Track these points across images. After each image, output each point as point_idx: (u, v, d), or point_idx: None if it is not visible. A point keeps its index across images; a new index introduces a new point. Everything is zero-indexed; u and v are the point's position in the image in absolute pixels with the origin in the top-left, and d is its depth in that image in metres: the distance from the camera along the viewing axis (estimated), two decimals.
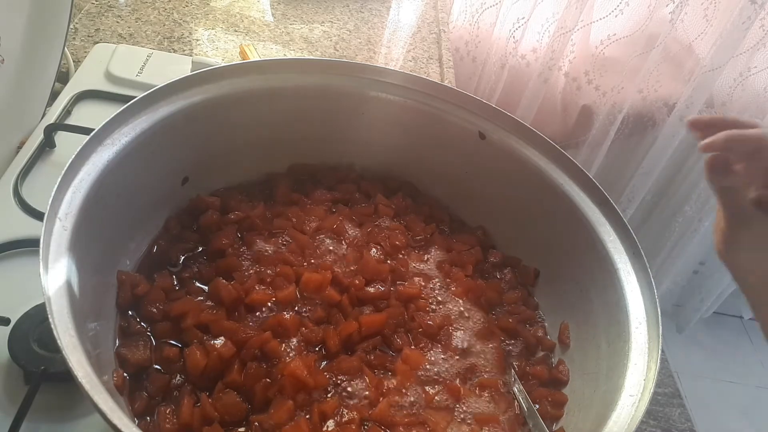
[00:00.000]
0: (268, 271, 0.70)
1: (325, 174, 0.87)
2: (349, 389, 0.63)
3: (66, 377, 0.56)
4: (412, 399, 0.64)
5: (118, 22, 1.24)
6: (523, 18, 1.69)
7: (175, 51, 1.20)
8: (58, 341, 0.47)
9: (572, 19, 1.63)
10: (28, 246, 0.77)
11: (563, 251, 0.77)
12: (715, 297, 2.28)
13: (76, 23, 1.21)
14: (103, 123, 0.64)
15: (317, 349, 0.66)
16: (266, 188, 0.84)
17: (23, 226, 0.79)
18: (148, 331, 0.65)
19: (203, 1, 1.36)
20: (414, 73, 0.96)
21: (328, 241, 0.77)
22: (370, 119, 0.85)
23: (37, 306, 0.68)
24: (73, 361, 0.46)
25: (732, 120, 0.65)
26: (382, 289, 0.72)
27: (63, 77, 1.07)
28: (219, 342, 0.62)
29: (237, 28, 1.31)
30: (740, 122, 0.65)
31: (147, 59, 1.11)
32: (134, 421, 0.57)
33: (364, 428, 0.61)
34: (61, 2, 0.91)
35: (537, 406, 0.67)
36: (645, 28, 1.66)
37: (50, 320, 0.48)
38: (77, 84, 1.03)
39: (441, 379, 0.67)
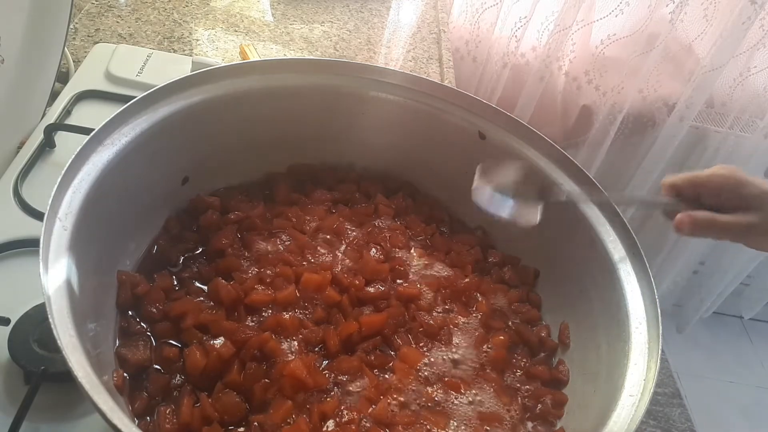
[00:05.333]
0: (268, 272, 0.70)
1: (325, 174, 0.87)
2: (349, 389, 0.63)
3: (66, 377, 0.56)
4: (412, 398, 0.64)
5: (118, 22, 1.24)
6: (525, 17, 1.69)
7: (175, 51, 1.20)
8: (58, 341, 0.47)
9: (570, 18, 1.63)
10: (28, 246, 0.77)
11: (563, 251, 0.77)
12: (715, 297, 2.28)
13: (76, 23, 1.21)
14: (103, 123, 0.64)
15: (317, 349, 0.66)
16: (266, 188, 0.84)
17: (23, 226, 0.79)
18: (148, 331, 0.65)
19: (203, 1, 1.36)
20: (414, 73, 0.96)
21: (328, 241, 0.77)
22: (370, 119, 0.85)
23: (37, 306, 0.68)
24: (73, 361, 0.46)
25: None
26: (382, 289, 0.72)
27: (63, 77, 1.07)
28: (218, 342, 0.62)
29: (237, 28, 1.31)
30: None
31: (147, 59, 1.11)
32: (134, 421, 0.57)
33: (363, 428, 0.61)
34: (61, 2, 0.91)
35: (540, 407, 0.67)
36: (645, 28, 1.66)
37: (50, 320, 0.48)
38: (77, 84, 1.03)
39: (441, 378, 0.67)
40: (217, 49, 1.23)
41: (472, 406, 0.65)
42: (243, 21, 1.34)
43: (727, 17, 1.61)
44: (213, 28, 1.29)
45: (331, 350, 0.66)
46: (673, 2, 1.60)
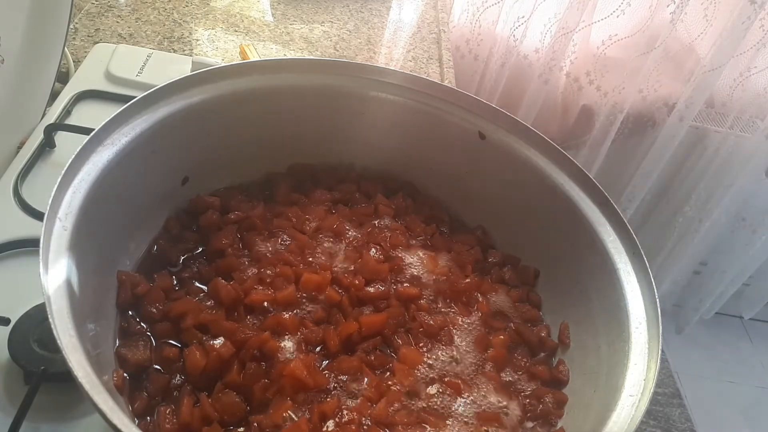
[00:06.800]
0: (268, 272, 0.70)
1: (325, 174, 0.87)
2: (349, 389, 0.63)
3: (66, 377, 0.56)
4: (412, 398, 0.64)
5: (118, 22, 1.24)
6: (524, 17, 1.69)
7: (175, 51, 1.20)
8: (58, 341, 0.47)
9: (573, 20, 1.64)
10: (28, 246, 0.77)
11: (563, 251, 0.77)
12: (716, 297, 2.28)
13: (76, 23, 1.21)
14: (103, 123, 0.64)
15: (317, 349, 0.67)
16: (266, 188, 0.84)
17: (23, 226, 0.79)
18: (148, 331, 0.65)
19: (203, 1, 1.36)
20: (414, 73, 0.96)
21: (328, 241, 0.77)
22: (370, 119, 0.85)
23: (37, 306, 0.68)
24: (73, 361, 0.46)
25: None
26: (382, 289, 0.72)
27: (63, 77, 1.07)
28: (218, 342, 0.62)
29: (237, 28, 1.31)
30: None
31: (147, 59, 1.11)
32: (134, 421, 0.57)
33: (363, 428, 0.61)
34: (61, 2, 0.91)
35: (540, 407, 0.67)
36: (646, 29, 1.66)
37: (50, 320, 0.48)
38: (77, 84, 1.03)
39: (441, 378, 0.67)
40: (217, 49, 1.24)
41: (472, 406, 0.65)
42: (243, 21, 1.34)
43: (727, 17, 1.61)
44: (213, 28, 1.29)
45: (331, 350, 0.66)
46: (674, 2, 1.60)
